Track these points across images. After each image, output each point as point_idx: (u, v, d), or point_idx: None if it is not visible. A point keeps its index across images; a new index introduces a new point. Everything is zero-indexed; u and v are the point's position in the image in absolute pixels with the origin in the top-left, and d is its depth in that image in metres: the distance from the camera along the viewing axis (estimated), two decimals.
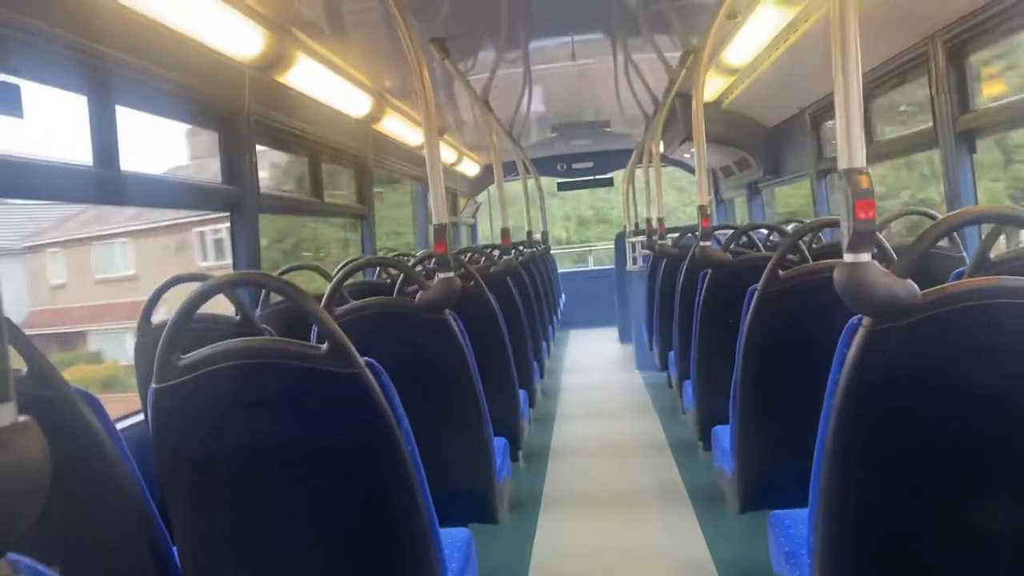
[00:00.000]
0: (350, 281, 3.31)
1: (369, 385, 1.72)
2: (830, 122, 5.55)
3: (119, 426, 2.65)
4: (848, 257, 1.55)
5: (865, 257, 1.54)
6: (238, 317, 2.93)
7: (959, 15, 3.24)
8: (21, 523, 0.62)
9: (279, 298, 3.64)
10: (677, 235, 6.65)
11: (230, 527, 1.85)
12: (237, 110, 3.72)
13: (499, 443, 3.34)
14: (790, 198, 8.12)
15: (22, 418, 0.64)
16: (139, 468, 1.82)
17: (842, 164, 1.57)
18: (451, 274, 2.81)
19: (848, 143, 1.56)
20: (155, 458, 1.79)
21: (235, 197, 3.76)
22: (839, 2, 1.55)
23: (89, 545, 1.74)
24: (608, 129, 9.44)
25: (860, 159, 1.56)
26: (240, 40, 3.26)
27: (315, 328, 2.50)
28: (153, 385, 1.74)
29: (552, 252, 11.78)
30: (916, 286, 1.52)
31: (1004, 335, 1.49)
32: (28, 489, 0.63)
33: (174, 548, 1.86)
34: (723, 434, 3.21)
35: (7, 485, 0.61)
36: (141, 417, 2.93)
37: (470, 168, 9.76)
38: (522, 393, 4.31)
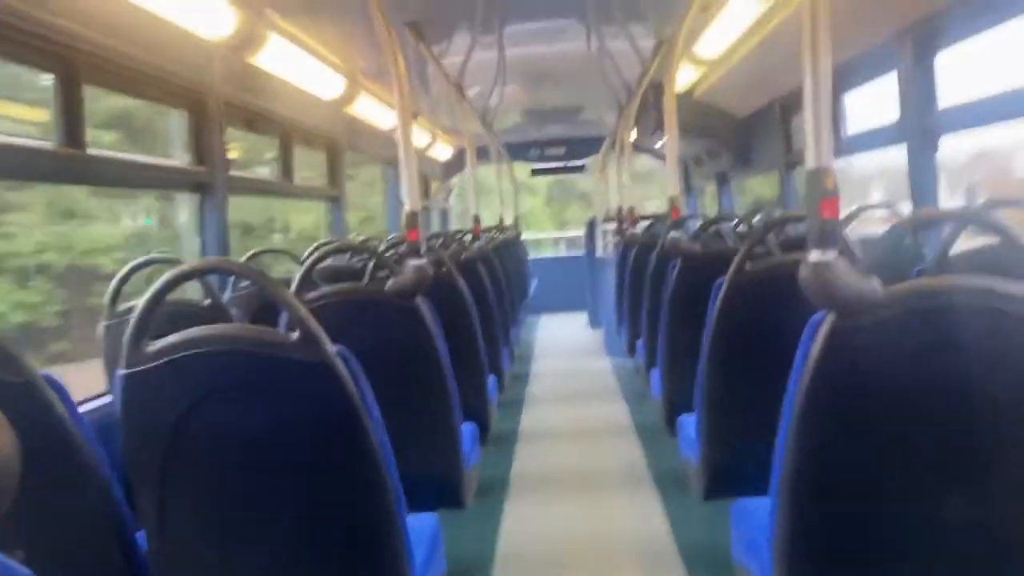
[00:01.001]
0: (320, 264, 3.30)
1: (339, 373, 1.72)
2: (799, 115, 5.61)
3: (86, 408, 2.63)
4: (813, 255, 1.58)
5: (830, 255, 1.57)
6: (207, 301, 2.91)
7: (929, 12, 3.29)
8: None
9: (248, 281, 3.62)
10: (649, 223, 6.69)
11: (197, 513, 1.85)
12: (207, 91, 3.67)
13: (468, 428, 3.36)
14: (761, 187, 8.21)
15: None
16: (105, 451, 1.81)
17: (809, 164, 1.60)
18: (422, 261, 2.82)
19: (815, 143, 1.59)
20: (123, 443, 1.79)
21: (204, 179, 3.72)
22: (811, 7, 1.58)
23: (53, 530, 1.73)
24: (581, 115, 9.45)
25: (827, 159, 1.59)
26: (211, 19, 3.21)
27: (283, 313, 2.49)
28: (121, 371, 1.73)
29: (524, 238, 11.80)
30: (878, 283, 1.55)
31: (962, 333, 1.54)
32: None
33: (140, 532, 1.86)
34: (689, 422, 3.26)
35: None
36: (108, 399, 2.91)
37: (443, 152, 9.73)
38: (491, 378, 4.33)
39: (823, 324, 1.61)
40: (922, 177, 3.56)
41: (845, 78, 4.28)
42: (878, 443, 1.63)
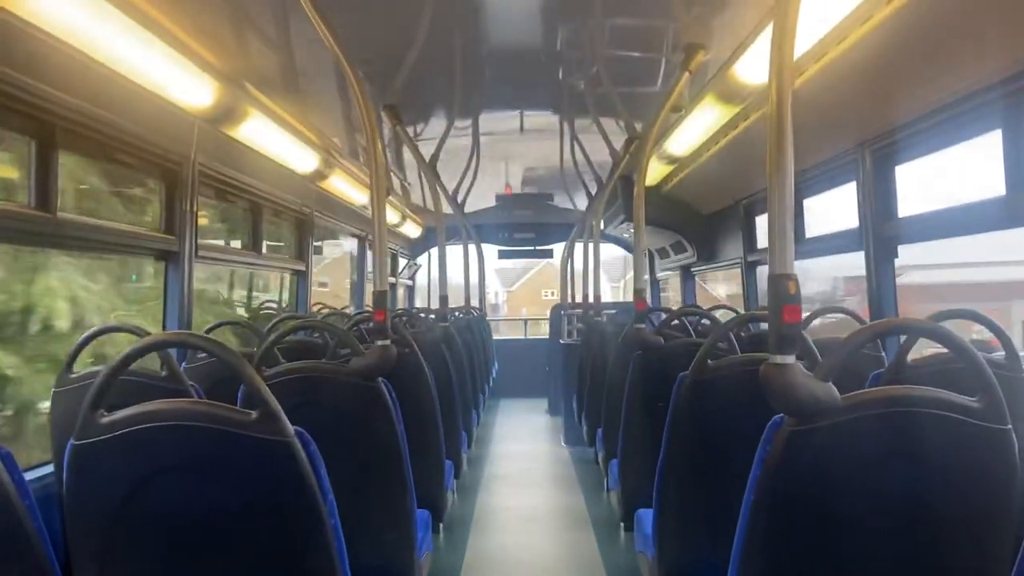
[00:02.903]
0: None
1: (297, 454, 1.69)
2: (762, 216, 5.76)
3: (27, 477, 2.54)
4: (774, 358, 1.61)
5: (790, 359, 1.61)
6: (164, 372, 2.86)
7: (888, 127, 3.44)
8: None
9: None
10: (613, 311, 6.74)
11: None
12: (183, 160, 3.69)
13: (422, 515, 3.29)
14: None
15: None
16: (44, 525, 1.74)
17: (772, 270, 1.64)
18: (387, 342, 2.81)
19: (778, 250, 1.64)
20: (65, 517, 1.72)
21: (172, 247, 3.70)
22: (776, 120, 1.65)
23: None
24: (551, 202, 9.61)
25: (789, 265, 1.64)
26: (193, 90, 3.25)
27: (241, 388, 2.45)
28: (73, 441, 1.68)
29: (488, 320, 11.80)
30: (835, 390, 1.58)
31: (916, 442, 1.57)
32: None
33: None
34: (646, 517, 3.22)
35: None
36: (50, 469, 2.82)
37: (412, 230, 9.79)
38: (448, 463, 4.27)
39: (780, 427, 1.63)
40: (880, 284, 3.65)
41: (806, 185, 4.42)
42: (832, 548, 1.64)
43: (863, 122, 3.61)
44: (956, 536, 1.58)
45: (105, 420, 1.68)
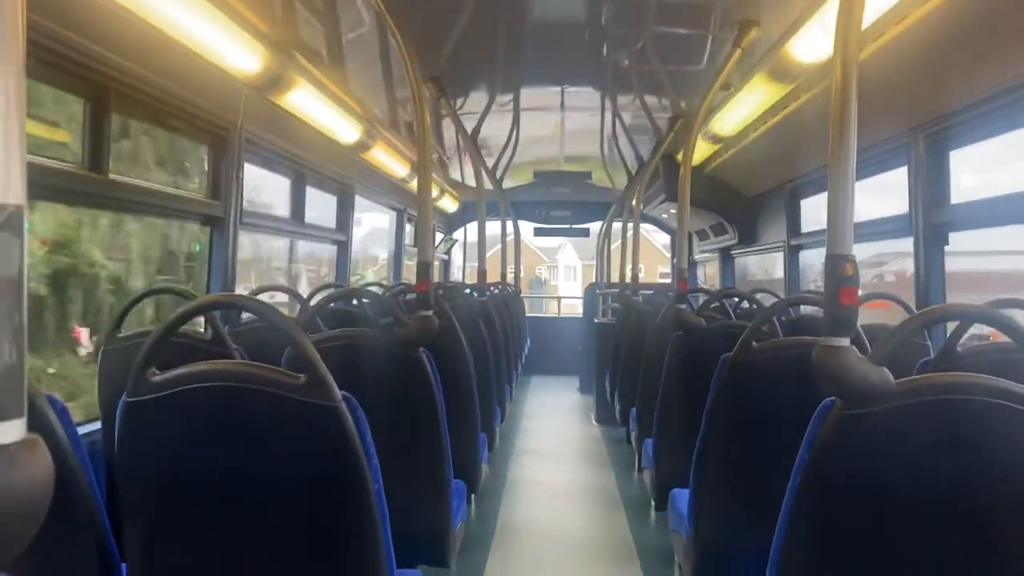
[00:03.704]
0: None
1: (344, 420, 1.71)
2: (808, 199, 5.68)
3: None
4: (827, 340, 1.59)
5: (844, 342, 1.58)
6: (209, 333, 2.89)
7: (943, 111, 3.36)
8: (24, 537, 0.61)
9: (249, 316, 3.61)
10: (651, 292, 6.70)
11: (186, 551, 1.81)
12: (230, 127, 3.71)
13: (457, 485, 3.32)
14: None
15: (30, 435, 0.64)
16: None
17: (830, 250, 1.61)
18: (430, 313, 2.81)
19: (838, 229, 1.61)
20: (117, 473, 1.76)
21: (217, 212, 3.74)
22: (840, 95, 1.61)
23: (39, 555, 1.69)
24: (589, 181, 9.55)
25: (848, 246, 1.61)
26: (242, 57, 3.27)
27: (287, 352, 2.47)
28: (125, 398, 1.71)
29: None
30: (890, 374, 1.55)
31: (973, 431, 1.53)
32: (34, 504, 0.63)
33: (123, 565, 1.81)
34: (681, 497, 3.21)
35: (16, 502, 0.60)
36: (97, 426, 2.87)
37: (448, 204, 9.81)
38: (482, 436, 4.29)
39: (831, 410, 1.60)
40: (929, 271, 3.58)
41: (857, 167, 4.33)
42: (879, 534, 1.62)
43: (917, 105, 3.53)
44: (1012, 530, 1.55)
45: (156, 379, 1.71)
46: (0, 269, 0.66)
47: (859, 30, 1.66)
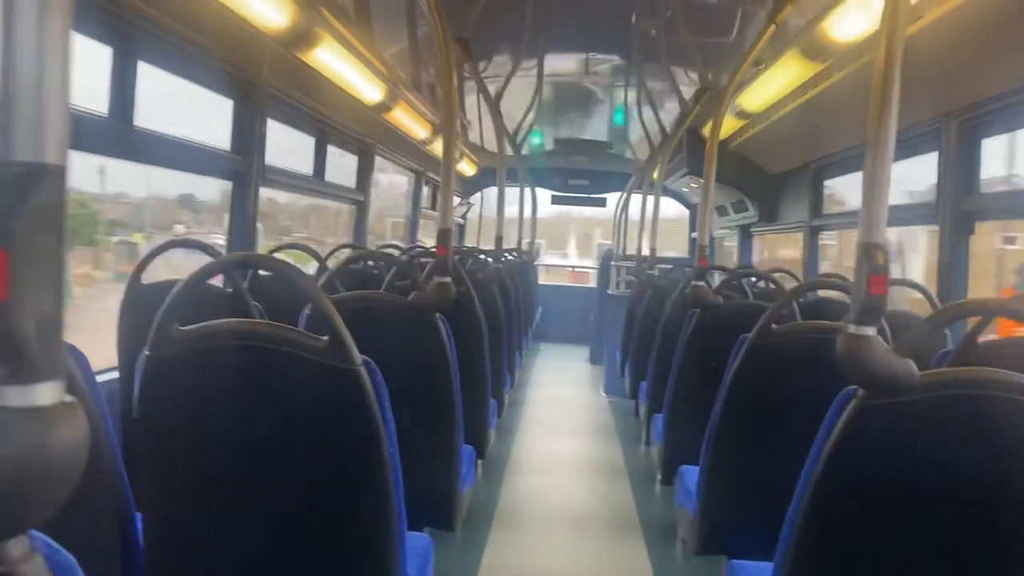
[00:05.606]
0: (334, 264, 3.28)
1: (363, 383, 1.71)
2: (832, 180, 5.61)
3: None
4: (853, 328, 1.56)
5: (871, 331, 1.56)
6: (229, 289, 2.90)
7: (978, 99, 3.29)
8: (58, 498, 0.61)
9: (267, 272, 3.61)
10: (669, 267, 6.66)
11: (200, 505, 1.83)
12: (255, 81, 3.69)
13: (467, 451, 3.33)
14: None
15: (68, 398, 0.63)
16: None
17: (862, 237, 1.58)
18: (448, 279, 2.80)
19: (871, 216, 1.58)
20: (136, 424, 1.77)
21: (241, 167, 3.73)
22: (883, 76, 1.57)
23: None
24: (610, 151, 9.48)
25: (881, 234, 1.58)
26: (268, 11, 3.23)
27: (305, 311, 2.48)
28: (147, 352, 1.71)
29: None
30: (915, 367, 1.53)
31: (993, 427, 1.52)
32: (70, 469, 0.62)
33: (138, 515, 1.83)
34: (690, 474, 3.22)
35: (52, 466, 0.60)
36: (115, 375, 2.89)
37: (466, 168, 9.76)
38: (492, 402, 4.31)
39: (852, 399, 1.59)
40: (954, 260, 3.54)
41: None
42: (894, 525, 1.61)
43: (952, 91, 3.46)
44: None
45: (178, 334, 1.71)
46: (41, 238, 0.64)
47: (908, 7, 1.62)
